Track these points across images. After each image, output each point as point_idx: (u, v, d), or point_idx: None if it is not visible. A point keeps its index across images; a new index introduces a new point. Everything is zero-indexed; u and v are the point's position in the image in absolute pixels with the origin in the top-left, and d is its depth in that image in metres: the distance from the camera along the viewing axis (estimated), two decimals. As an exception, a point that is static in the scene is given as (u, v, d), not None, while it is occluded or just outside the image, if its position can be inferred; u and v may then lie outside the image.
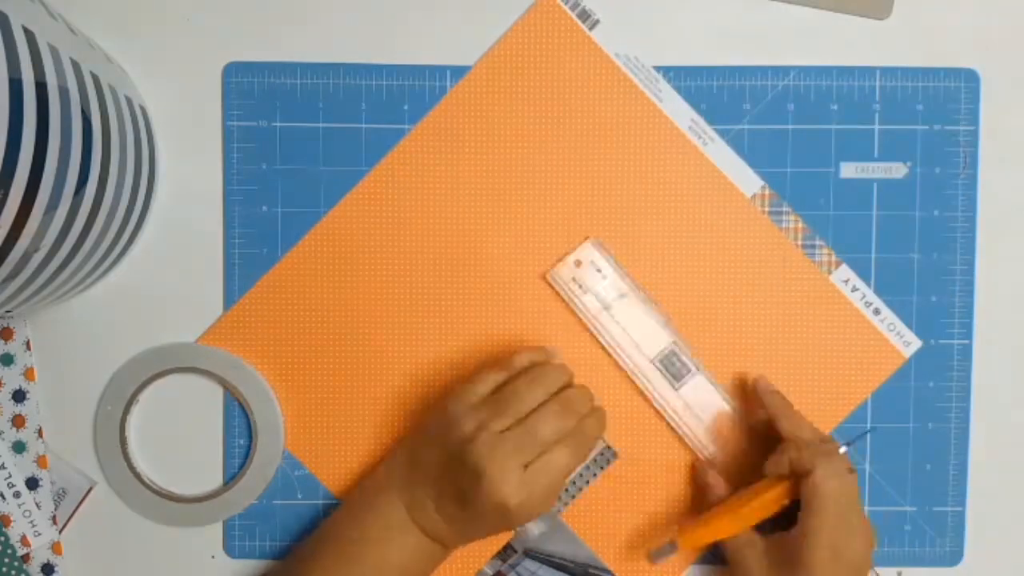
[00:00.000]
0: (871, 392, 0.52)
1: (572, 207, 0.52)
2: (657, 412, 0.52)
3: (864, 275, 0.53)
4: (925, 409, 0.53)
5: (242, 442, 0.53)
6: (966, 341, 0.53)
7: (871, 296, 0.52)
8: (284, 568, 0.51)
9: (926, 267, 0.53)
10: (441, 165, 0.52)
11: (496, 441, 0.45)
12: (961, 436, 0.53)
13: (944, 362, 0.53)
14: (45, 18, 0.39)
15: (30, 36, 0.36)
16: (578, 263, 0.51)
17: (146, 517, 0.53)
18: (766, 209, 0.52)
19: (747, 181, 0.52)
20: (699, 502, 0.52)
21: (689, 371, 0.52)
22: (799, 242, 0.52)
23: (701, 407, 0.52)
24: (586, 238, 0.52)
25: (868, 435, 0.52)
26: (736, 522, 0.48)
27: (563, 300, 0.52)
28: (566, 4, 0.51)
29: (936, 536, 0.53)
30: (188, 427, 0.53)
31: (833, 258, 0.52)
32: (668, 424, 0.52)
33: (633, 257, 0.52)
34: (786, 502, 0.47)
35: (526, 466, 0.45)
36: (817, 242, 0.52)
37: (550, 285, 0.52)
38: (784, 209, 0.52)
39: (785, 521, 0.47)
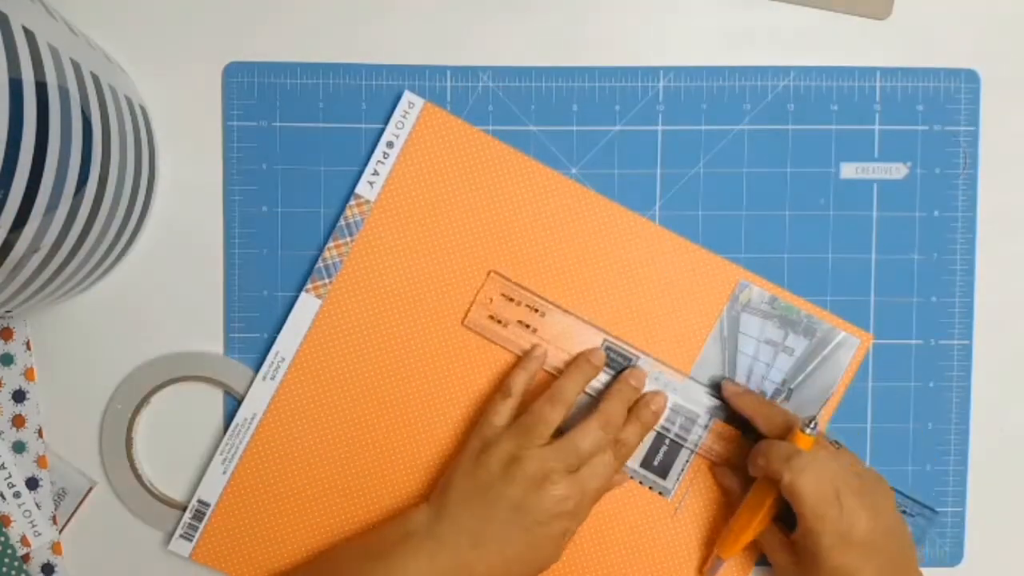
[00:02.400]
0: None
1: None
2: None
3: (864, 275, 0.53)
4: (925, 409, 0.53)
5: (242, 442, 0.53)
6: (966, 341, 0.53)
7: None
8: None
9: (926, 267, 0.53)
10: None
11: (544, 453, 0.47)
12: (961, 436, 0.53)
13: (944, 362, 0.53)
14: (45, 18, 0.39)
15: (30, 36, 0.36)
16: (489, 299, 0.51)
17: (144, 521, 0.53)
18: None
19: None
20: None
21: (629, 360, 0.52)
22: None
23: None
24: (487, 273, 0.52)
25: (867, 428, 0.52)
26: (754, 522, 0.48)
27: (492, 342, 0.52)
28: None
29: (936, 536, 0.53)
30: (196, 435, 0.53)
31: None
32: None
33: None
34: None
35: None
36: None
37: (473, 331, 0.52)
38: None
39: None
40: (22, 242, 0.37)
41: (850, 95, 0.53)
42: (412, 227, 0.52)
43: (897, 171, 0.53)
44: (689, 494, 0.52)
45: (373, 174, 0.52)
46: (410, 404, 0.53)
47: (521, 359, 0.52)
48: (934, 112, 0.53)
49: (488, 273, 0.52)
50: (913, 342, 0.53)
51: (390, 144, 0.52)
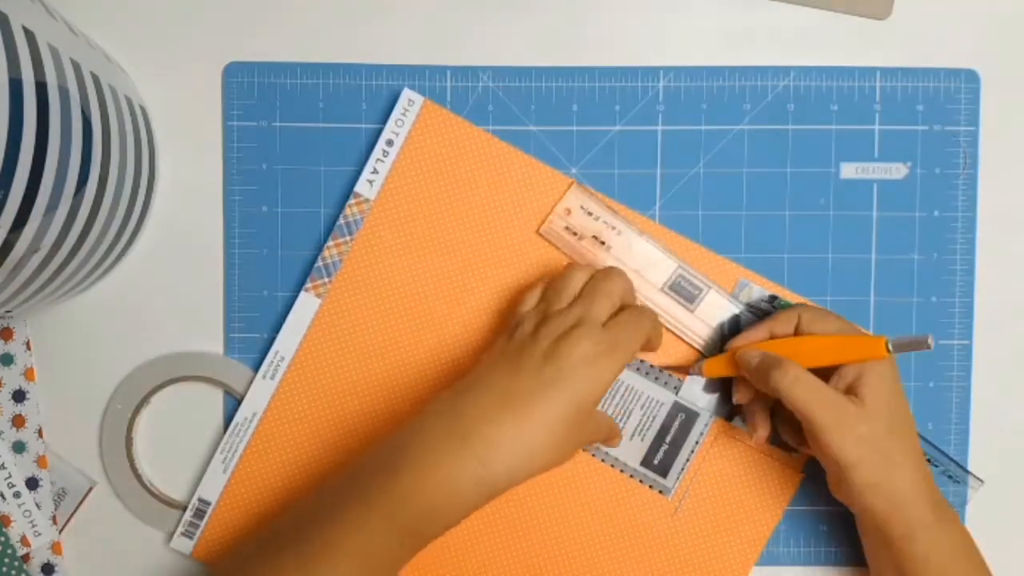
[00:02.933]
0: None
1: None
2: (680, 339, 0.52)
3: (864, 275, 0.53)
4: (925, 409, 0.53)
5: (242, 442, 0.53)
6: (966, 341, 0.53)
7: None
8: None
9: (926, 267, 0.53)
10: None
11: (569, 310, 0.45)
12: (961, 436, 0.53)
13: (944, 362, 0.53)
14: (45, 18, 0.39)
15: (30, 36, 0.36)
16: (568, 211, 0.51)
17: (144, 521, 0.53)
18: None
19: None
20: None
21: (700, 291, 0.51)
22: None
23: (721, 323, 0.52)
24: (569, 184, 0.52)
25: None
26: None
27: (563, 253, 0.52)
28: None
29: (936, 536, 0.53)
30: (196, 435, 0.53)
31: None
32: (694, 349, 0.52)
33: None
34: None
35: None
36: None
37: (547, 240, 0.52)
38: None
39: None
40: (22, 242, 0.37)
41: (850, 95, 0.53)
42: (412, 225, 0.52)
43: (897, 171, 0.53)
44: (689, 493, 0.52)
45: (373, 172, 0.52)
46: (410, 402, 0.53)
47: (573, 264, 0.50)
48: (934, 112, 0.53)
49: (570, 184, 0.52)
50: (913, 342, 0.53)
51: (389, 142, 0.52)
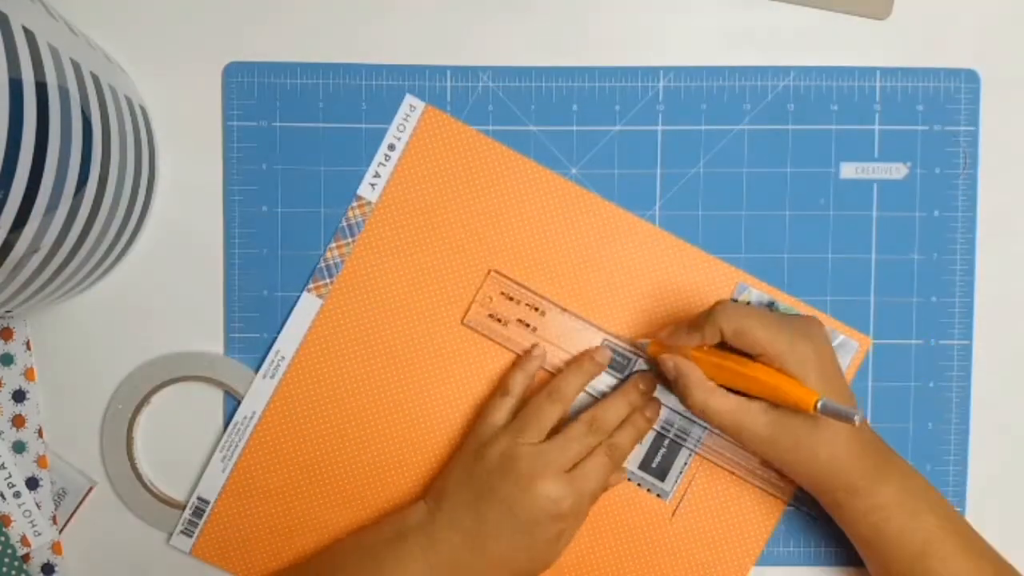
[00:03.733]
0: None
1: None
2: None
3: (864, 275, 0.53)
4: (925, 409, 0.53)
5: (242, 442, 0.53)
6: (966, 341, 0.53)
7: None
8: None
9: (926, 267, 0.53)
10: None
11: (538, 450, 0.47)
12: (961, 436, 0.53)
13: (944, 362, 0.53)
14: (45, 18, 0.39)
15: (30, 36, 0.36)
16: (490, 298, 0.51)
17: (144, 521, 0.53)
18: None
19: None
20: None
21: (630, 360, 0.52)
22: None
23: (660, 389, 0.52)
24: (487, 272, 0.52)
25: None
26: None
27: (492, 340, 0.52)
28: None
29: (936, 536, 0.53)
30: (196, 435, 0.53)
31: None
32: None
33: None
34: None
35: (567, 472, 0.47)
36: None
37: (473, 330, 0.52)
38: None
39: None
40: (22, 242, 0.37)
41: (850, 95, 0.53)
42: (413, 228, 0.52)
43: (897, 171, 0.53)
44: (687, 496, 0.52)
45: (375, 176, 0.52)
46: (409, 403, 0.53)
47: (520, 358, 0.52)
48: (934, 112, 0.53)
49: (488, 272, 0.52)
50: (913, 342, 0.53)
51: (391, 147, 0.52)
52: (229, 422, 0.53)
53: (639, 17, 0.53)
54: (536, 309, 0.52)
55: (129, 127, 0.47)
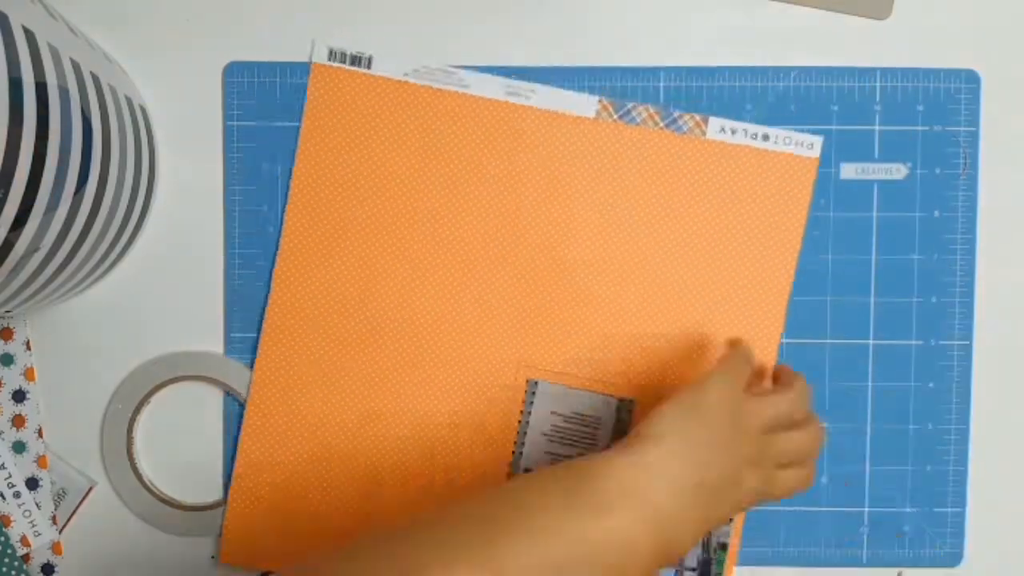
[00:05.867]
0: (807, 210, 0.52)
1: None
2: None
3: (864, 275, 0.53)
4: (925, 409, 0.53)
5: (242, 442, 0.53)
6: (966, 341, 0.53)
7: (751, 127, 0.52)
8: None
9: (926, 268, 0.53)
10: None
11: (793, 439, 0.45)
12: (961, 436, 0.53)
13: (944, 362, 0.53)
14: (45, 18, 0.39)
15: (30, 36, 0.36)
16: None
17: (144, 521, 0.53)
18: (614, 117, 0.52)
19: (583, 105, 0.52)
20: None
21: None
22: (661, 125, 0.52)
23: None
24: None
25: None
26: None
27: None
28: (333, 61, 0.52)
29: (936, 537, 0.53)
30: (196, 435, 0.53)
31: (698, 118, 0.52)
32: None
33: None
34: None
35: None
36: (675, 114, 0.52)
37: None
38: (629, 105, 0.52)
39: None
40: (22, 242, 0.37)
41: (850, 95, 0.53)
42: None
43: (897, 171, 0.53)
44: None
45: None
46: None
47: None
48: (934, 112, 0.53)
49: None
50: (913, 342, 0.53)
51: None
52: (229, 422, 0.53)
53: (639, 17, 0.53)
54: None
55: (129, 127, 0.47)
